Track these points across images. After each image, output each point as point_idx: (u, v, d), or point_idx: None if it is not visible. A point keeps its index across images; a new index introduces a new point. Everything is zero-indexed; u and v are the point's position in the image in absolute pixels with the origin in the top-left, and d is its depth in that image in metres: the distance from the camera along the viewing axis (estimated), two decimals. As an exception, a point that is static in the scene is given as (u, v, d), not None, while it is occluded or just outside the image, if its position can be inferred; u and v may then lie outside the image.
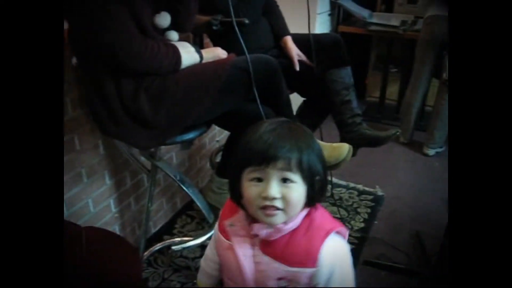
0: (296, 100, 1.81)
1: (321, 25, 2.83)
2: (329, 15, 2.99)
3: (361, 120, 1.69)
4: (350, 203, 2.26)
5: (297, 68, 1.70)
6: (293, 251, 0.82)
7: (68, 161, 1.45)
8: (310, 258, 0.81)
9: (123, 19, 1.15)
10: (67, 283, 0.98)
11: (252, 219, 0.84)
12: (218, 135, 2.34)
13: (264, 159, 0.76)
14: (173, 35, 1.31)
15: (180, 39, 1.34)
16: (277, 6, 1.84)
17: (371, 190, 2.37)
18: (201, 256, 1.30)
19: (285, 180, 0.77)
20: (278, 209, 0.78)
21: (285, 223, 0.81)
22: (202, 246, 1.68)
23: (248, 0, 1.63)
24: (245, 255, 0.85)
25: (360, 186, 2.40)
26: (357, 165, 2.40)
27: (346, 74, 1.68)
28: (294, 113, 1.69)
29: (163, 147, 1.51)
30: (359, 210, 2.20)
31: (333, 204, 2.20)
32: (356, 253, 1.88)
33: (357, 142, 1.66)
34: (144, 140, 1.27)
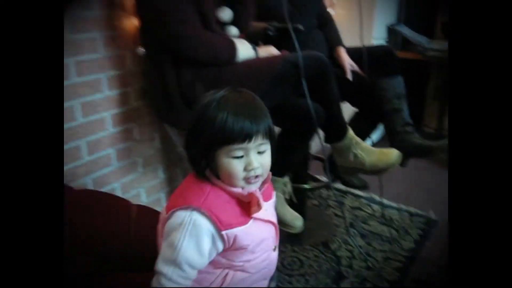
0: (347, 110, 1.84)
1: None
2: (386, 41, 3.01)
3: (413, 129, 1.68)
4: (401, 224, 2.19)
5: (350, 77, 1.74)
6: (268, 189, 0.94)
7: (125, 149, 1.56)
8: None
9: (189, 12, 1.26)
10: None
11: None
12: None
13: (246, 137, 0.79)
14: (233, 30, 1.41)
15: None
16: (332, 19, 1.91)
17: (424, 213, 2.29)
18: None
19: (260, 151, 0.83)
20: (257, 176, 0.83)
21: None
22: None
23: (303, 9, 1.70)
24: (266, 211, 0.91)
25: (412, 209, 2.33)
26: (410, 188, 2.34)
27: (397, 83, 1.69)
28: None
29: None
30: (410, 231, 2.13)
31: (383, 224, 2.15)
32: (404, 271, 1.82)
33: (407, 151, 1.65)
34: (197, 127, 1.34)
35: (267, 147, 0.85)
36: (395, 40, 3.10)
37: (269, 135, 0.84)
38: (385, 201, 2.34)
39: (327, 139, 1.54)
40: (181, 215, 0.82)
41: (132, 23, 1.46)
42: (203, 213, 0.81)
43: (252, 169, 0.82)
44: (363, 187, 1.99)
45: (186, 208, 0.82)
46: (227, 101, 0.82)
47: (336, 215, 2.24)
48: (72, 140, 1.38)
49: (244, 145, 0.80)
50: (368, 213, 2.27)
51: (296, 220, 1.55)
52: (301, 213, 1.63)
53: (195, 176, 0.88)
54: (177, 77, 1.32)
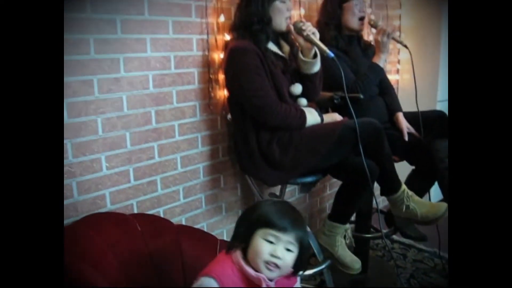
0: (405, 169, 2.06)
1: (442, 112, 3.04)
2: (451, 103, 3.18)
3: (464, 186, 1.85)
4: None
5: (406, 138, 1.97)
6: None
7: (213, 195, 1.91)
8: None
9: (268, 89, 1.60)
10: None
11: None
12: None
13: (282, 228, 1.04)
14: (303, 101, 1.73)
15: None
16: (392, 87, 2.19)
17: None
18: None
19: (288, 249, 1.05)
20: (277, 266, 1.04)
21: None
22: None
23: (366, 81, 1.98)
24: None
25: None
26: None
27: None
28: (404, 181, 1.93)
29: (287, 191, 1.88)
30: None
31: (444, 276, 2.25)
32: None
33: (459, 205, 1.81)
34: (272, 178, 1.66)
35: (294, 250, 1.05)
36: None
37: (300, 243, 1.05)
38: (447, 256, 2.45)
39: (383, 192, 1.77)
40: (200, 280, 1.04)
41: (222, 94, 1.85)
42: (212, 277, 1.02)
43: (276, 257, 1.02)
44: (421, 239, 2.14)
45: (205, 275, 1.04)
46: (278, 203, 1.12)
47: (398, 266, 2.38)
48: (172, 185, 1.74)
49: (279, 234, 1.02)
50: (430, 266, 2.38)
51: (355, 262, 1.76)
52: (364, 262, 1.83)
53: (224, 253, 1.10)
54: (257, 138, 1.66)
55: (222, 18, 1.80)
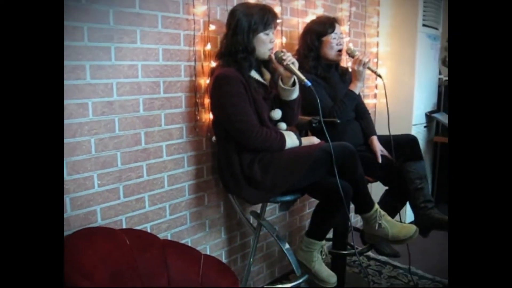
0: (379, 189, 2.20)
1: (417, 135, 3.20)
2: (425, 127, 3.36)
3: (433, 205, 2.00)
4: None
5: (379, 160, 2.11)
6: None
7: (197, 212, 2.01)
8: None
9: (250, 113, 1.73)
10: None
11: None
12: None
13: None
14: (282, 126, 1.86)
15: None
16: (368, 112, 2.33)
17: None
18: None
19: None
20: None
21: None
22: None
23: (343, 106, 2.13)
24: None
25: (446, 281, 2.54)
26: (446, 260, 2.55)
27: (420, 166, 2.04)
28: (378, 200, 2.06)
29: (267, 210, 1.99)
30: (441, 300, 2.34)
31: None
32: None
33: (428, 224, 1.96)
34: (254, 197, 1.78)
35: None
36: (432, 126, 3.44)
37: None
38: (420, 272, 2.57)
39: (357, 210, 1.89)
40: None
41: (208, 117, 1.97)
42: None
43: None
44: (394, 255, 2.27)
45: None
46: None
47: (374, 282, 2.50)
48: (159, 203, 1.84)
49: None
50: (404, 282, 2.51)
51: (331, 277, 1.87)
52: (340, 278, 1.94)
53: None
54: (239, 159, 1.77)
55: (208, 46, 1.93)
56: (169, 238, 1.89)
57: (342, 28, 2.68)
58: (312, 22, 2.26)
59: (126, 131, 1.67)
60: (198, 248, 2.00)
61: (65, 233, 1.47)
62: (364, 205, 1.85)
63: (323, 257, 1.91)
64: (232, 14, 1.79)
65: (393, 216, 1.94)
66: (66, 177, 1.49)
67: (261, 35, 1.77)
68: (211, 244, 2.11)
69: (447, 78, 3.63)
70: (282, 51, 1.77)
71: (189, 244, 1.98)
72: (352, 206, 1.96)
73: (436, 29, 3.33)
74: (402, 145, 2.12)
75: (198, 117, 1.94)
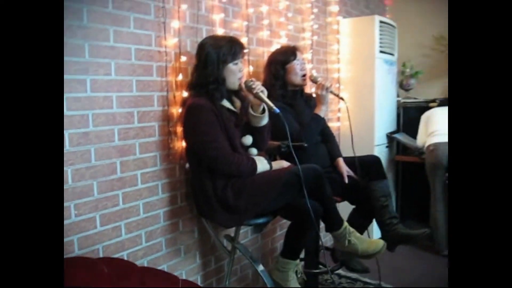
0: (347, 208, 2.31)
1: (379, 155, 3.36)
2: (387, 147, 3.53)
3: (398, 221, 2.12)
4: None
5: (346, 181, 2.22)
6: None
7: (172, 238, 2.04)
8: None
9: (221, 140, 1.80)
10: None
11: None
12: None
13: None
14: (253, 151, 1.95)
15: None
16: (333, 136, 2.46)
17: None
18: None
19: None
20: None
21: None
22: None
23: (309, 130, 2.24)
24: None
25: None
26: (413, 276, 2.65)
27: (384, 185, 2.17)
28: (346, 218, 2.16)
29: (241, 233, 2.05)
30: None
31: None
32: None
33: (394, 239, 2.07)
34: (228, 221, 1.84)
35: None
36: (393, 145, 3.62)
37: None
38: (390, 287, 2.67)
39: (327, 229, 1.98)
40: None
41: (181, 145, 2.03)
42: None
43: None
44: (364, 271, 2.36)
45: None
46: None
47: (346, 299, 2.58)
48: (135, 230, 1.87)
49: None
50: (375, 297, 2.60)
51: (305, 295, 1.94)
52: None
53: None
54: (212, 185, 1.83)
55: (180, 77, 2.01)
56: (145, 265, 1.91)
57: (305, 56, 2.83)
58: (275, 52, 2.39)
59: (102, 160, 1.71)
60: (175, 273, 2.03)
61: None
62: (334, 223, 1.94)
63: (299, 275, 1.98)
64: (201, 47, 1.88)
65: (361, 233, 2.04)
66: (43, 208, 1.51)
67: (230, 66, 1.86)
68: (187, 270, 2.14)
69: (404, 100, 3.85)
70: (251, 80, 1.87)
71: (166, 270, 2.00)
72: (322, 225, 2.05)
73: (392, 54, 3.55)
74: (366, 165, 2.24)
75: (171, 145, 2.00)
